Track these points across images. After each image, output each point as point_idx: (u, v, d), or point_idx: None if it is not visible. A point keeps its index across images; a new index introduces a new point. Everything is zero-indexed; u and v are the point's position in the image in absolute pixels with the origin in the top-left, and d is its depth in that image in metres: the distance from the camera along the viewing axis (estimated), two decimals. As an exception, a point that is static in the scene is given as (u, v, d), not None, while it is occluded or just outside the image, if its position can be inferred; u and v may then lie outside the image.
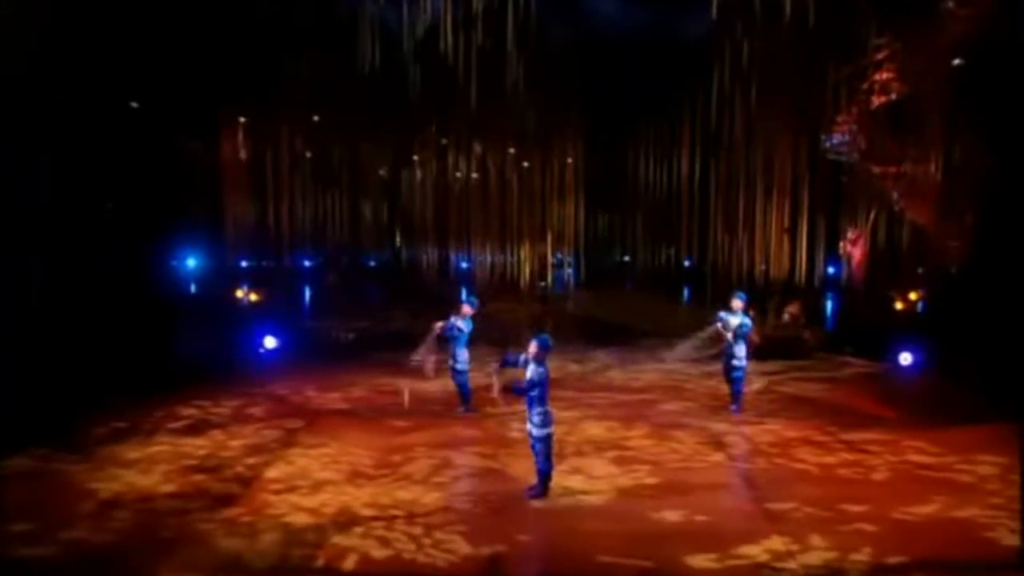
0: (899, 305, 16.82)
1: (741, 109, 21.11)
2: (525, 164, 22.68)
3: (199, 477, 8.29)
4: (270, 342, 14.64)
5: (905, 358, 13.43)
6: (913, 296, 17.12)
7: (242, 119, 20.34)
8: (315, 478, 8.17)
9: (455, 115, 21.41)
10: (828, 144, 18.74)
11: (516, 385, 7.51)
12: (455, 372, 10.48)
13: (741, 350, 10.41)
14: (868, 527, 6.97)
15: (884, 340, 14.34)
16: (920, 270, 18.69)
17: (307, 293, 22.92)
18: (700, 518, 7.20)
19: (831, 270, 20.74)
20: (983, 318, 12.52)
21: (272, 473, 8.35)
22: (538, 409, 7.47)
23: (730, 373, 10.50)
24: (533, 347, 7.40)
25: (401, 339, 16.25)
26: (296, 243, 22.83)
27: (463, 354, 10.38)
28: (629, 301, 23.16)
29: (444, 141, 22.52)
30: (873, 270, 18.65)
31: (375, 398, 11.75)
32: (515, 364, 7.43)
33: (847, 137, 18.13)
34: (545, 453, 7.51)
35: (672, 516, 7.23)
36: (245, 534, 6.82)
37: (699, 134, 23.28)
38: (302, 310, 21.07)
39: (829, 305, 19.80)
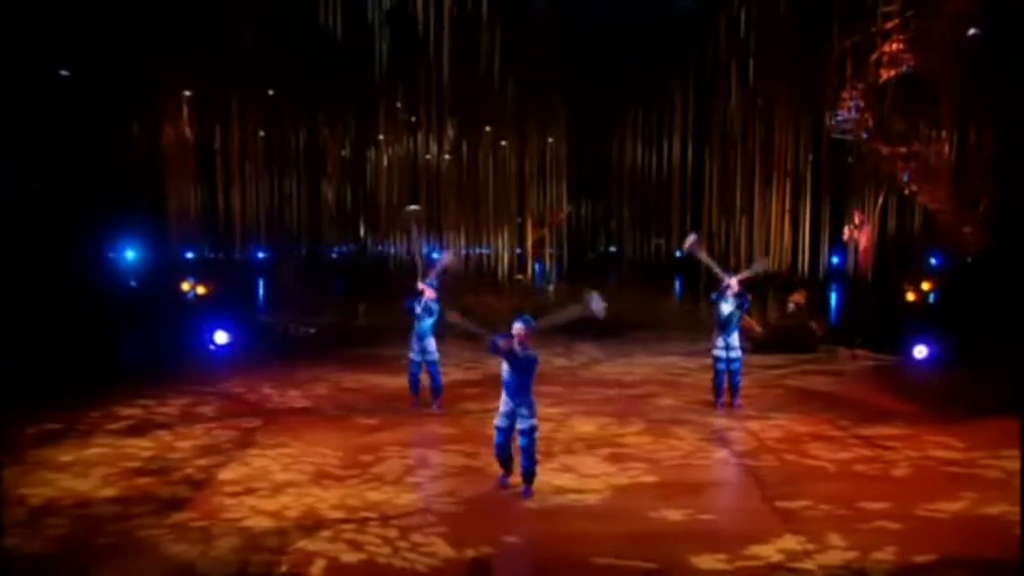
0: (911, 296, 16.89)
1: (738, 85, 21.23)
2: (503, 142, 22.60)
3: (143, 480, 8.10)
4: (221, 338, 14.51)
5: (920, 351, 13.47)
6: (925, 286, 17.21)
7: (186, 93, 19.99)
8: (275, 480, 8.03)
9: (425, 91, 21.29)
10: (832, 122, 18.84)
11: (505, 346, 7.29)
12: (410, 362, 10.42)
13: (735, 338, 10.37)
14: (891, 525, 6.94)
15: (896, 332, 14.40)
16: (932, 259, 18.87)
17: (261, 286, 22.64)
18: (705, 517, 7.14)
19: (835, 260, 20.89)
20: (1001, 309, 12.61)
21: (227, 475, 8.20)
22: (528, 399, 7.41)
23: (730, 364, 10.41)
24: (521, 328, 7.25)
25: (367, 334, 16.44)
26: (249, 232, 22.63)
27: (427, 343, 10.28)
28: (617, 294, 23.09)
29: (413, 119, 22.38)
30: (881, 258, 18.79)
31: (340, 396, 11.66)
32: (500, 351, 7.25)
33: (853, 114, 18.25)
34: (535, 447, 7.43)
35: (674, 515, 7.17)
36: (198, 540, 6.67)
37: (692, 113, 23.42)
38: (256, 304, 20.82)
39: (833, 296, 19.92)
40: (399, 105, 22.21)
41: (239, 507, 7.32)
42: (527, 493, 7.50)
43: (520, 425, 7.42)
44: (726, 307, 10.28)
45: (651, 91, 23.61)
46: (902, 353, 13.83)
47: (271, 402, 11.28)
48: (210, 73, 19.54)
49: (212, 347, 14.40)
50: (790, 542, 6.58)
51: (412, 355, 10.41)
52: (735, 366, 10.52)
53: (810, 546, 6.51)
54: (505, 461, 7.68)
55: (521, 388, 7.37)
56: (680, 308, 21.46)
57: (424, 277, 10.38)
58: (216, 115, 21.06)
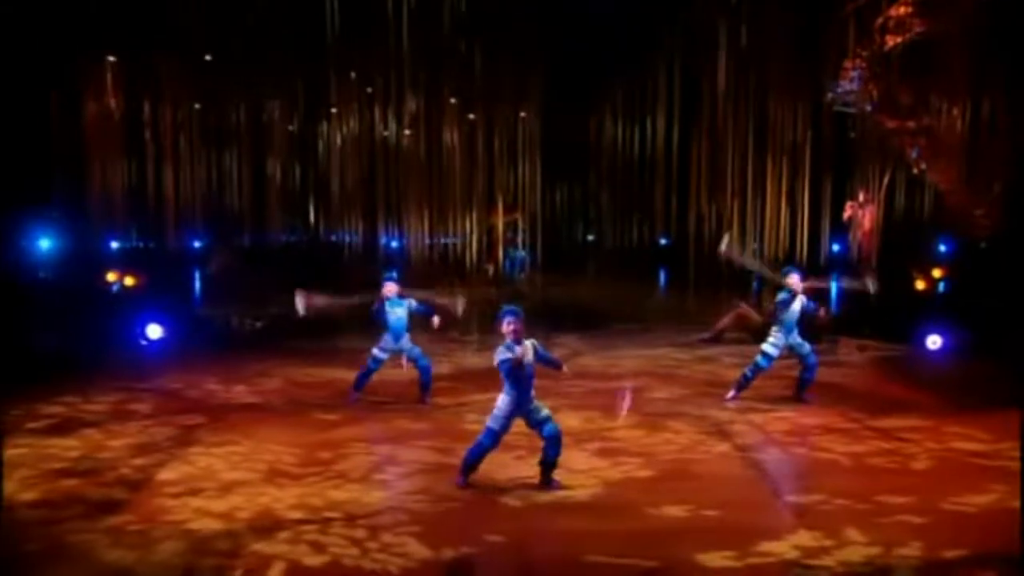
0: (920, 284, 17.09)
1: (729, 55, 21.30)
2: (471, 116, 22.46)
3: (71, 482, 7.99)
4: (154, 332, 14.49)
5: (934, 341, 13.64)
6: (936, 273, 17.42)
7: (110, 58, 19.62)
8: (223, 479, 7.98)
9: (383, 58, 21.07)
10: (833, 94, 19.00)
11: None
12: (372, 357, 10.58)
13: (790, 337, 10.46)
14: (915, 519, 6.98)
15: (905, 322, 14.56)
16: (942, 246, 19.11)
17: (198, 277, 22.43)
18: (709, 513, 7.14)
19: (835, 247, 21.07)
20: (1017, 298, 12.78)
21: (167, 475, 8.14)
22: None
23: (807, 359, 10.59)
24: (514, 322, 7.35)
25: (320, 327, 16.33)
26: (184, 218, 22.34)
27: (403, 342, 10.50)
28: (595, 286, 23.18)
29: (369, 90, 22.16)
30: (886, 243, 18.97)
31: (293, 390, 11.72)
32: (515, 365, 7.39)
33: (856, 85, 18.41)
34: None
35: (675, 511, 7.17)
36: (136, 544, 6.58)
37: (679, 86, 23.48)
38: (192, 296, 20.64)
39: (834, 284, 20.08)
40: (353, 75, 21.95)
41: (182, 509, 7.24)
42: (557, 485, 7.59)
43: (542, 413, 7.53)
44: (796, 304, 10.39)
45: (634, 60, 23.60)
46: (913, 343, 13.97)
47: (215, 398, 11.25)
48: (138, 36, 19.19)
49: (144, 342, 14.35)
50: (805, 538, 6.58)
51: (379, 352, 10.48)
52: (811, 360, 10.60)
53: (827, 542, 6.51)
54: (475, 470, 7.68)
55: (531, 383, 7.51)
56: (666, 300, 21.53)
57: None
58: (145, 84, 20.68)
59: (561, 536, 6.70)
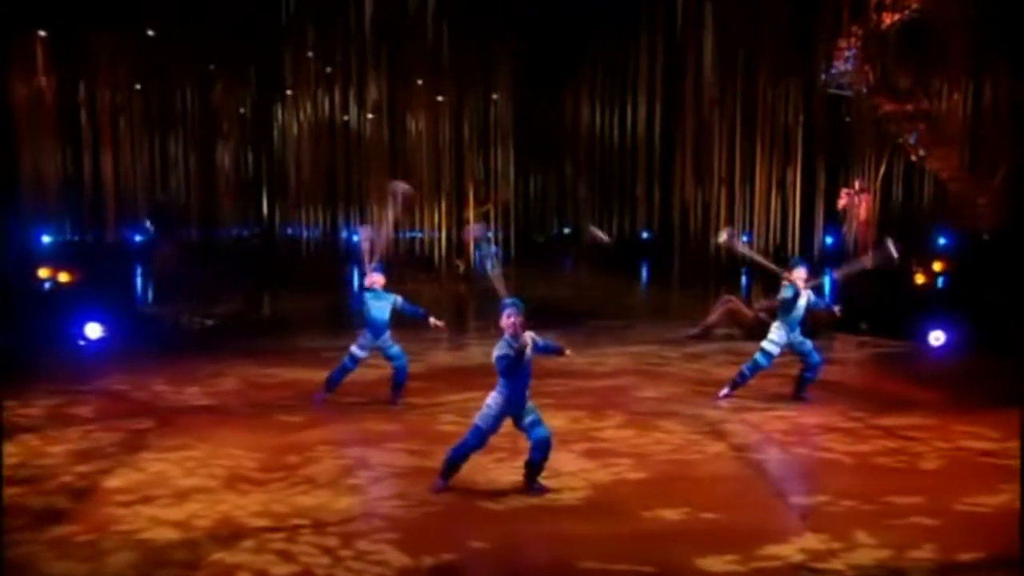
0: (920, 278, 17.27)
1: (715, 35, 21.41)
2: (439, 98, 22.42)
3: (10, 491, 7.69)
4: (93, 331, 14.37)
5: (937, 337, 13.81)
6: (937, 267, 17.61)
7: (41, 33, 19.32)
8: (178, 486, 7.88)
9: (344, 35, 20.95)
10: (827, 76, 19.18)
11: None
12: (349, 355, 10.51)
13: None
14: (927, 521, 7.04)
15: (905, 317, 14.71)
16: (941, 238, 19.31)
17: (140, 273, 22.26)
18: (707, 515, 7.16)
19: (829, 240, 21.26)
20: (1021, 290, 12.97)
21: (115, 482, 8.02)
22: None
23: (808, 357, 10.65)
24: (516, 314, 7.34)
25: (276, 325, 16.31)
26: (124, 209, 22.12)
27: (383, 340, 10.44)
28: (573, 281, 23.21)
29: (329, 71, 22.05)
30: (883, 234, 19.11)
31: (251, 392, 11.65)
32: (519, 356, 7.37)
33: (851, 66, 18.60)
34: None
35: (670, 514, 7.19)
36: (85, 556, 6.47)
37: (662, 68, 23.57)
38: (134, 293, 20.47)
39: (827, 277, 20.24)
40: (311, 53, 21.81)
41: (134, 518, 7.14)
42: (543, 489, 7.61)
43: (534, 415, 7.54)
44: (801, 300, 10.43)
45: (613, 39, 23.65)
46: (914, 339, 14.17)
47: (165, 400, 11.14)
48: (71, 8, 18.94)
49: (82, 342, 14.23)
50: (811, 541, 6.62)
51: (358, 350, 10.43)
52: (814, 359, 10.67)
53: (835, 544, 6.55)
54: (457, 471, 7.65)
55: (528, 382, 7.52)
56: (648, 296, 21.61)
57: (367, 263, 10.46)
58: (80, 62, 20.40)
59: (550, 541, 6.68)
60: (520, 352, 7.27)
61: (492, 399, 7.46)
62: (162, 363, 13.11)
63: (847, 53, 18.66)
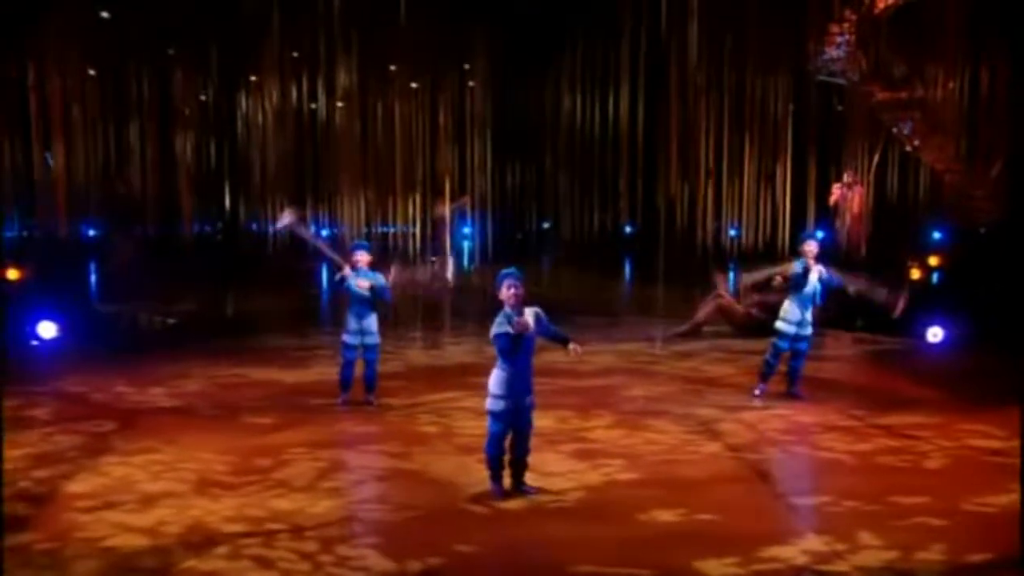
0: (915, 273, 17.40)
1: (702, 18, 21.47)
2: (413, 85, 22.36)
3: (-37, 498, 7.66)
4: (47, 330, 14.25)
5: (935, 334, 13.92)
6: (933, 262, 17.75)
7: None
8: (144, 491, 7.84)
9: (311, 19, 20.85)
10: (818, 63, 19.24)
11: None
12: (344, 346, 10.42)
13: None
14: (934, 521, 7.09)
15: (902, 313, 14.79)
16: (936, 232, 19.45)
17: (95, 271, 22.09)
18: (704, 517, 7.19)
19: (820, 234, 21.34)
20: (1020, 285, 13.06)
21: (77, 487, 7.97)
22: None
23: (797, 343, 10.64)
24: (516, 285, 7.30)
25: (242, 324, 16.20)
26: (77, 204, 21.89)
27: (368, 323, 10.28)
28: (554, 277, 23.18)
29: (295, 55, 21.94)
30: (876, 229, 19.26)
31: (218, 393, 11.62)
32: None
33: (843, 52, 18.67)
34: None
35: (666, 516, 7.21)
36: (47, 564, 6.43)
37: (645, 54, 23.62)
38: (89, 291, 20.31)
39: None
40: (276, 37, 21.67)
41: (98, 524, 7.09)
42: (533, 490, 7.61)
43: (530, 402, 7.57)
44: (812, 276, 10.43)
45: (595, 23, 23.67)
46: (910, 336, 14.30)
47: (127, 402, 11.08)
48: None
49: (35, 342, 14.11)
50: (814, 542, 6.66)
51: (348, 338, 10.32)
52: (803, 346, 10.71)
53: (839, 546, 6.58)
54: (502, 465, 7.58)
55: (529, 361, 7.49)
56: (633, 292, 21.65)
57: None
58: (30, 45, 20.15)
59: (541, 544, 6.67)
60: (522, 329, 7.17)
61: (493, 381, 7.40)
62: (122, 363, 13.04)
63: (839, 39, 18.67)
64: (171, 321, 16.81)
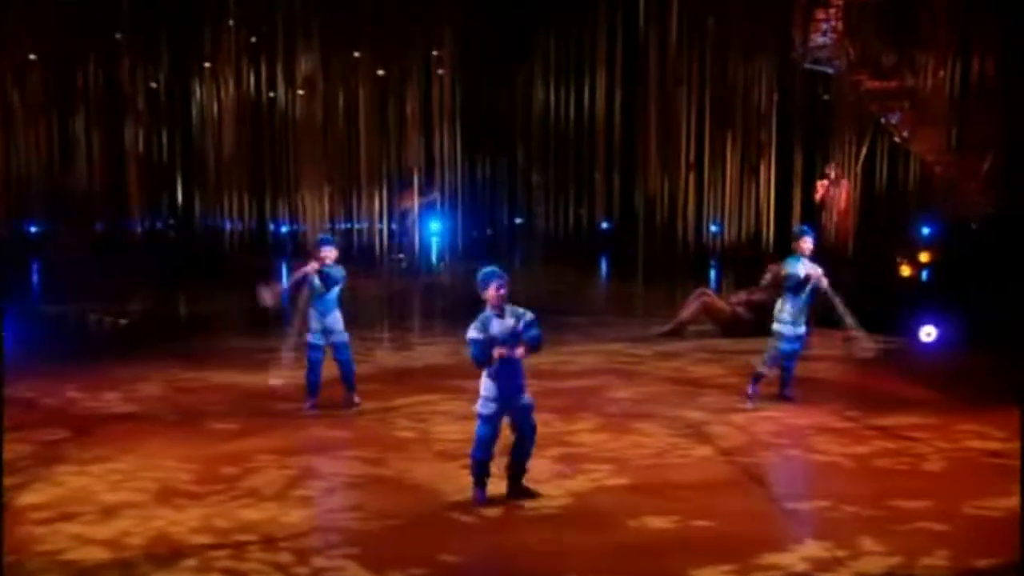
0: (906, 270, 17.57)
1: (681, 6, 21.56)
2: (380, 72, 22.29)
3: (-92, 511, 7.56)
4: None
5: (928, 333, 14.05)
6: (923, 258, 17.91)
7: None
8: (104, 501, 7.78)
9: (270, 2, 20.76)
10: (803, 50, 19.38)
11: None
12: (309, 347, 10.40)
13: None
14: (936, 526, 7.15)
15: (891, 312, 14.94)
16: (925, 228, 19.63)
17: (37, 268, 21.93)
18: (699, 523, 7.22)
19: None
20: (1015, 282, 13.21)
21: (30, 498, 7.87)
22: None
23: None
24: (500, 285, 7.34)
25: (198, 324, 16.06)
26: (17, 198, 21.70)
27: (331, 320, 10.28)
28: (527, 275, 23.19)
29: (253, 40, 21.82)
30: (864, 224, 19.43)
31: (178, 397, 11.58)
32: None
33: (830, 40, 18.82)
34: None
35: (659, 522, 7.22)
36: None
37: (622, 41, 23.68)
38: (30, 291, 20.14)
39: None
40: (232, 21, 21.55)
41: (56, 536, 7.03)
42: (532, 494, 7.66)
43: (525, 402, 7.57)
44: (802, 270, 10.45)
45: (572, 9, 23.71)
46: (903, 335, 14.43)
47: (80, 408, 11.01)
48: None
49: (-28, 345, 13.92)
50: (814, 548, 6.70)
51: (312, 338, 10.32)
52: (797, 347, 10.77)
53: (840, 552, 6.62)
54: (487, 472, 7.59)
55: (518, 365, 7.52)
56: (610, 290, 21.72)
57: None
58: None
59: (529, 552, 6.68)
60: (500, 356, 7.22)
61: (483, 383, 7.47)
62: (72, 367, 12.95)
63: (825, 25, 18.84)
64: (122, 321, 16.71)
